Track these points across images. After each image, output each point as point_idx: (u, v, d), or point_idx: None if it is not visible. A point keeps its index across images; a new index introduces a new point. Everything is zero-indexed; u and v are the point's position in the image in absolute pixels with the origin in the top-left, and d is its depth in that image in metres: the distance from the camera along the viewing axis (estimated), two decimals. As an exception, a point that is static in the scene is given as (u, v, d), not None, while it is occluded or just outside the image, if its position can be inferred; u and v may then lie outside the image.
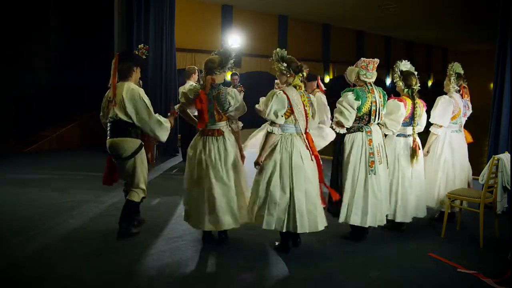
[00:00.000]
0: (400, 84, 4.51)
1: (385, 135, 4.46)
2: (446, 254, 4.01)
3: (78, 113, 9.94)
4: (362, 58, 4.23)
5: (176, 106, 4.31)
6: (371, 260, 3.91)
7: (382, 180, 4.19)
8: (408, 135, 4.53)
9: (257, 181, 3.94)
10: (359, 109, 4.07)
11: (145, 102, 4.14)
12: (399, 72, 4.54)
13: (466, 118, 5.10)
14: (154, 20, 8.67)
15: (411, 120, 4.48)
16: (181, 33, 9.83)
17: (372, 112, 4.12)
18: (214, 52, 4.14)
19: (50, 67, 10.22)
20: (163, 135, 4.27)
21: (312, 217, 3.86)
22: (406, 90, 4.49)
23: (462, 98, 4.93)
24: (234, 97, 3.99)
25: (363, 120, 4.14)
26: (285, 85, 3.98)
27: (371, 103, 4.10)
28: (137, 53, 4.51)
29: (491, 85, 6.02)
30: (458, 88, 4.91)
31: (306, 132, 3.96)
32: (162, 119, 4.24)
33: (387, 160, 4.28)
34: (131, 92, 4.13)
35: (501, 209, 4.37)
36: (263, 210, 3.85)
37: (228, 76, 11.92)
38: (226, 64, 4.02)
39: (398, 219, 4.45)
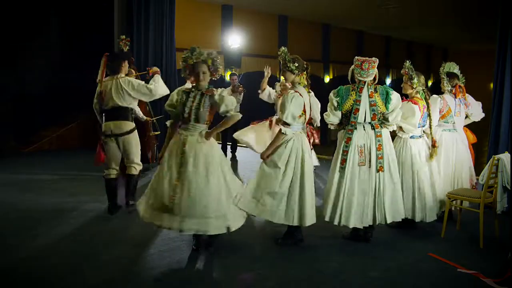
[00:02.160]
0: (418, 85, 4.48)
1: (393, 138, 4.46)
2: (446, 254, 4.01)
3: (78, 113, 9.94)
4: (356, 57, 4.23)
5: (168, 123, 4.16)
6: (371, 260, 3.91)
7: (367, 182, 4.10)
8: (420, 136, 4.55)
9: (269, 175, 4.00)
10: (340, 105, 4.15)
11: (139, 83, 4.95)
12: (412, 71, 4.49)
13: (475, 118, 5.12)
14: (154, 20, 8.66)
15: (424, 121, 4.50)
16: (181, 33, 9.82)
17: (354, 111, 4.12)
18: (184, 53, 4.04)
19: (50, 67, 10.22)
20: (163, 90, 5.11)
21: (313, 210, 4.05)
22: (420, 90, 4.50)
23: (456, 97, 4.93)
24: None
25: (347, 118, 4.18)
26: (295, 85, 4.10)
27: (353, 101, 4.11)
28: (120, 43, 5.23)
29: (491, 85, 6.02)
30: (451, 88, 4.93)
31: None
32: (152, 85, 4.98)
33: (377, 163, 4.11)
34: (129, 82, 4.91)
35: (501, 209, 4.37)
36: (278, 205, 3.97)
37: (227, 77, 11.94)
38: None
39: (418, 219, 4.46)
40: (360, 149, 4.11)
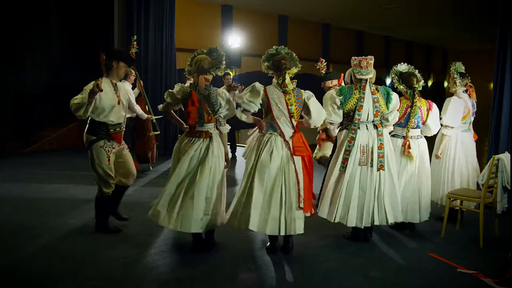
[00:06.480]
0: (402, 87, 4.50)
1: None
2: (446, 254, 4.01)
3: (78, 113, 9.93)
4: (352, 57, 4.24)
5: (160, 106, 4.18)
6: (371, 260, 3.92)
7: (368, 181, 4.10)
8: (403, 136, 4.48)
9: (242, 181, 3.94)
10: (343, 104, 4.13)
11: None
12: (396, 77, 4.52)
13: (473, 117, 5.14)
14: (154, 20, 8.68)
15: (406, 121, 4.44)
16: (181, 33, 9.83)
17: (358, 109, 4.12)
18: (198, 52, 4.03)
19: (50, 67, 10.22)
20: None
21: (288, 220, 3.80)
22: (409, 91, 4.48)
23: (470, 97, 4.93)
24: (225, 98, 3.88)
25: (349, 117, 4.17)
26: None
27: (357, 99, 4.11)
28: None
29: (491, 85, 6.02)
30: (465, 88, 4.91)
31: (295, 132, 3.90)
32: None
33: (378, 162, 4.11)
34: None
35: (501, 209, 4.36)
36: (247, 211, 3.79)
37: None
38: (221, 64, 3.97)
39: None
40: (363, 148, 4.12)
